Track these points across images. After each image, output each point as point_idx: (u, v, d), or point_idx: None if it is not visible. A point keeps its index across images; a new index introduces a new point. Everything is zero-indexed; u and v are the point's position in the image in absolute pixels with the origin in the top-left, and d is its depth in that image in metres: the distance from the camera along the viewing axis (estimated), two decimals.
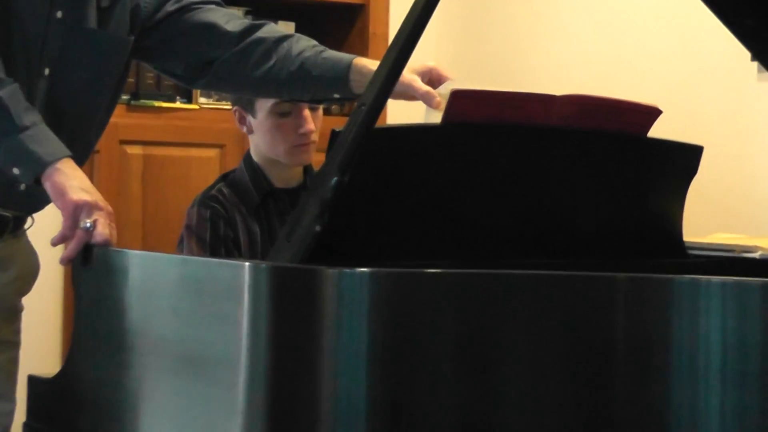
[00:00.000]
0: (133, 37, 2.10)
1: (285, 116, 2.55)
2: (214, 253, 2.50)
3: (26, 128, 1.84)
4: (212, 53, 2.15)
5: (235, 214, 2.55)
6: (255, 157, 2.61)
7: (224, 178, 2.63)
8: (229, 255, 2.52)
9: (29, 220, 2.09)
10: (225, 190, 2.56)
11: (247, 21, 2.20)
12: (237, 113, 2.62)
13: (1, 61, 1.88)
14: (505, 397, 1.54)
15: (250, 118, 2.60)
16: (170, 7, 2.14)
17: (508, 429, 1.54)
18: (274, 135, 2.54)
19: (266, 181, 2.58)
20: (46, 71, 2.01)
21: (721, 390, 1.53)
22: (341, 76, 2.06)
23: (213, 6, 2.19)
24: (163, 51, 2.17)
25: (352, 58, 2.07)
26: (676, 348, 1.55)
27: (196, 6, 2.17)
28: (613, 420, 1.55)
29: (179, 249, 2.58)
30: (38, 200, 1.90)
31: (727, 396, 1.53)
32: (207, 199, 2.56)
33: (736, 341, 1.53)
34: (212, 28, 2.15)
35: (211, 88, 2.24)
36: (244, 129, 2.62)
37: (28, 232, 2.12)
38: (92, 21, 2.04)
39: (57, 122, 1.98)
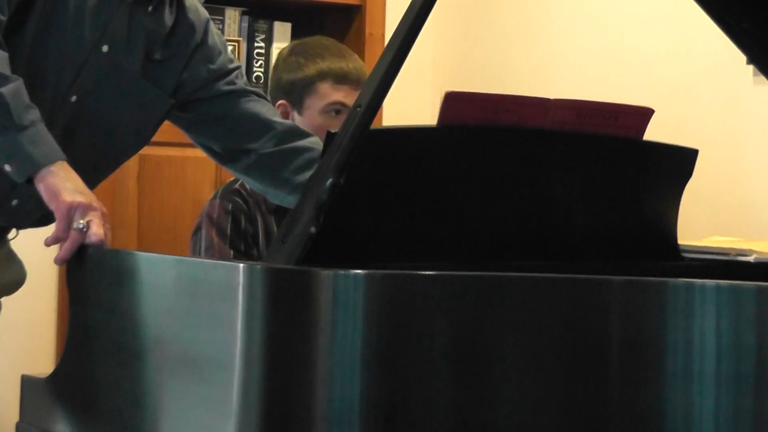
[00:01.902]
0: (173, 100, 2.10)
1: (338, 114, 2.55)
2: (233, 247, 2.51)
3: (25, 128, 1.83)
4: (253, 144, 2.17)
5: (255, 211, 2.55)
6: None
7: None
8: (248, 250, 2.52)
9: (13, 231, 2.09)
10: (247, 186, 2.56)
11: (290, 122, 2.23)
12: (281, 108, 2.61)
13: (7, 57, 1.87)
14: (499, 400, 1.54)
15: (295, 114, 2.60)
16: (223, 87, 2.15)
17: (502, 430, 1.54)
18: (319, 133, 2.55)
19: None
20: (73, 98, 2.00)
21: (716, 393, 1.53)
22: None
23: (262, 99, 2.21)
24: (207, 127, 2.18)
25: None
26: (670, 351, 1.55)
27: (249, 93, 2.19)
28: (608, 422, 1.56)
29: (195, 238, 2.59)
30: (25, 217, 1.90)
31: (722, 399, 1.53)
32: (230, 193, 2.56)
33: (730, 344, 1.53)
34: (260, 121, 2.17)
35: (245, 175, 2.25)
36: None
37: (24, 234, 2.13)
38: (136, 67, 2.04)
39: (71, 152, 1.98)
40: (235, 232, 2.53)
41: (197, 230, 2.59)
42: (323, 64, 2.56)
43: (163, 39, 2.06)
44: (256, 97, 2.19)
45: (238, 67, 2.20)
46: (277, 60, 2.69)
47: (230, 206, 2.54)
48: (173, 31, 2.08)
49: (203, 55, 2.13)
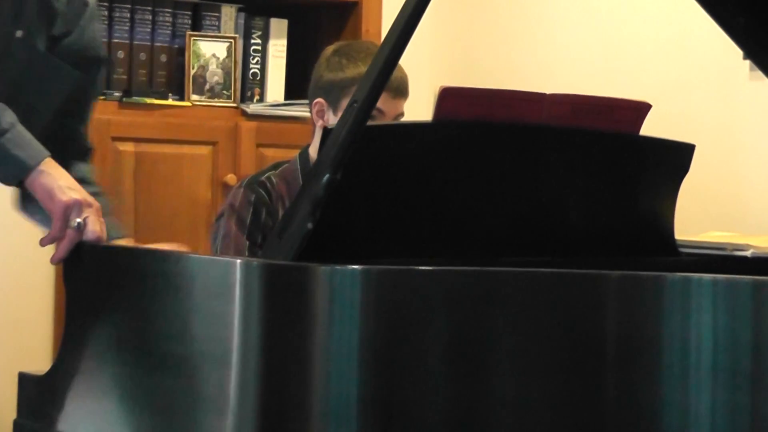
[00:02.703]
0: (79, 73, 2.09)
1: (372, 120, 2.54)
2: (250, 237, 2.51)
3: (5, 131, 1.83)
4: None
5: (278, 206, 2.56)
6: (314, 153, 2.62)
7: (275, 167, 2.63)
8: (264, 243, 2.52)
9: None
10: (274, 179, 2.57)
11: (90, 144, 2.20)
12: (317, 106, 2.61)
13: None
14: (496, 395, 1.54)
15: (330, 114, 2.60)
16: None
17: (499, 427, 1.54)
18: None
19: None
20: None
21: (712, 388, 1.53)
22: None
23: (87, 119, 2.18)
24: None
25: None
26: (667, 346, 1.55)
27: (80, 113, 2.16)
28: (604, 418, 1.56)
29: (216, 225, 2.60)
30: None
31: (718, 394, 1.53)
32: (255, 184, 2.57)
33: (727, 339, 1.53)
34: (74, 137, 2.14)
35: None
36: (319, 123, 2.62)
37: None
38: (43, 46, 2.04)
39: None
40: (254, 224, 2.54)
41: (220, 217, 2.60)
42: (364, 68, 2.56)
43: (61, 15, 2.06)
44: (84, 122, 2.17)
45: (107, 59, 2.18)
46: (320, 58, 2.68)
47: (253, 197, 2.55)
48: (68, 6, 2.08)
49: (92, 30, 2.13)
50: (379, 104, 2.55)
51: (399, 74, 2.59)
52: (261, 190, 2.55)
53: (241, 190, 2.57)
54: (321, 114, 2.61)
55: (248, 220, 2.53)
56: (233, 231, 2.52)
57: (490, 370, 1.54)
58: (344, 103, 2.57)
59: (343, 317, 1.52)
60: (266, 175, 2.59)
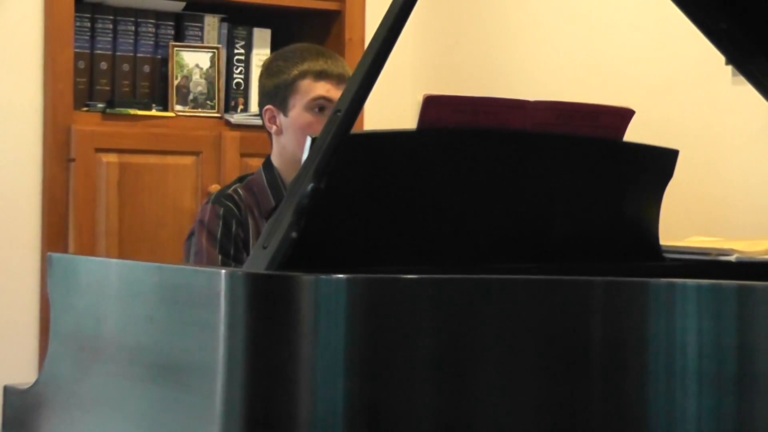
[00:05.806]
0: None
1: (321, 111, 2.58)
2: (223, 251, 2.52)
3: None
4: None
5: (247, 217, 2.57)
6: (276, 161, 2.64)
7: (241, 179, 2.65)
8: (238, 254, 2.53)
9: None
10: (241, 191, 2.59)
11: None
12: (268, 113, 2.64)
13: None
14: (482, 403, 1.54)
15: (281, 117, 2.63)
16: None
17: None
18: (306, 131, 2.55)
19: (283, 186, 2.60)
20: None
21: (698, 393, 1.53)
22: None
23: None
24: None
25: None
26: (652, 351, 1.55)
27: None
28: (590, 424, 1.55)
29: (188, 243, 2.60)
30: None
31: (704, 399, 1.53)
32: (222, 197, 2.59)
33: (712, 344, 1.54)
34: None
35: None
36: (273, 129, 2.64)
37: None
38: None
39: None
40: (226, 236, 2.55)
41: (191, 235, 2.61)
42: (303, 65, 2.62)
43: None
44: None
45: None
46: (261, 69, 2.73)
47: (222, 210, 2.56)
48: None
49: None
50: (325, 93, 2.61)
51: (337, 62, 2.64)
52: (229, 203, 2.57)
53: (209, 205, 2.59)
54: (273, 120, 2.64)
55: (219, 233, 2.55)
56: (204, 246, 2.53)
57: (477, 377, 1.54)
58: (291, 101, 2.61)
59: (329, 326, 1.52)
60: (233, 188, 2.62)
